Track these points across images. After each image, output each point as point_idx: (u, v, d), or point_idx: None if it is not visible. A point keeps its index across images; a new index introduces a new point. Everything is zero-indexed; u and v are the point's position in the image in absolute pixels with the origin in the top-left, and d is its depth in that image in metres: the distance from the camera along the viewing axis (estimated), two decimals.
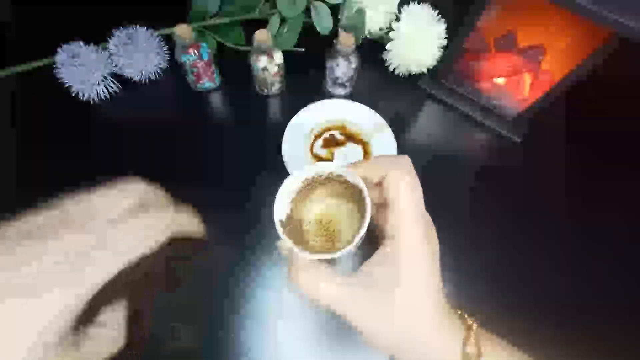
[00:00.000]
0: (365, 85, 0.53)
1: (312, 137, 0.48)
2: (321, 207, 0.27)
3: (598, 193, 0.48)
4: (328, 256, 0.21)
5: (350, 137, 0.49)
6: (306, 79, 0.52)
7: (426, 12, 0.48)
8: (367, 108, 0.50)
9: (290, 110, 0.49)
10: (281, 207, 0.23)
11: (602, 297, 0.41)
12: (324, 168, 0.23)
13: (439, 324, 0.20)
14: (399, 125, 0.49)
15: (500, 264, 0.41)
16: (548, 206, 0.46)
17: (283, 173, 0.43)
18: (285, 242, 0.22)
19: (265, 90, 0.51)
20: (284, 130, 0.47)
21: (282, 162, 0.44)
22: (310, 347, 0.36)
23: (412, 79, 0.54)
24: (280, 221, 0.23)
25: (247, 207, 0.41)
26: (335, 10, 0.52)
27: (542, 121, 0.49)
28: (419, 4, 0.49)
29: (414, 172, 0.22)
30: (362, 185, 0.22)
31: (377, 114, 0.49)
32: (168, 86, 0.51)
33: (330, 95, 0.52)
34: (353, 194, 0.25)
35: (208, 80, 0.49)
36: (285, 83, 0.51)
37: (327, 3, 0.51)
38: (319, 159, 0.47)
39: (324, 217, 0.27)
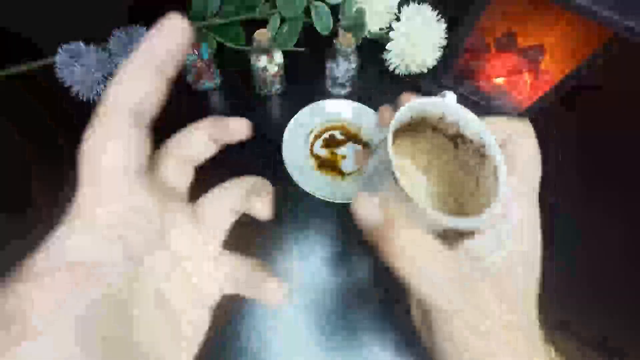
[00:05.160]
0: (365, 85, 0.53)
1: (312, 137, 0.48)
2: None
3: (598, 193, 0.48)
4: (473, 222, 0.15)
5: (350, 137, 0.49)
6: (306, 79, 0.52)
7: (426, 12, 0.48)
8: (367, 108, 0.50)
9: (290, 110, 0.49)
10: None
11: (602, 297, 0.41)
12: (437, 104, 0.17)
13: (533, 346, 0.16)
14: None
15: None
16: (548, 206, 0.46)
17: (283, 173, 0.43)
18: (398, 190, 0.15)
19: (265, 90, 0.51)
20: (284, 130, 0.47)
21: (282, 162, 0.44)
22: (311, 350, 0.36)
23: (412, 79, 0.54)
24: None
25: None
26: (335, 10, 0.52)
27: (542, 121, 0.49)
28: (419, 4, 0.49)
29: (537, 143, 0.18)
30: (490, 141, 0.16)
31: (377, 114, 0.49)
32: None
33: (330, 95, 0.52)
34: (452, 152, 0.19)
35: (208, 80, 0.49)
36: (285, 83, 0.51)
37: (327, 3, 0.51)
38: (319, 159, 0.47)
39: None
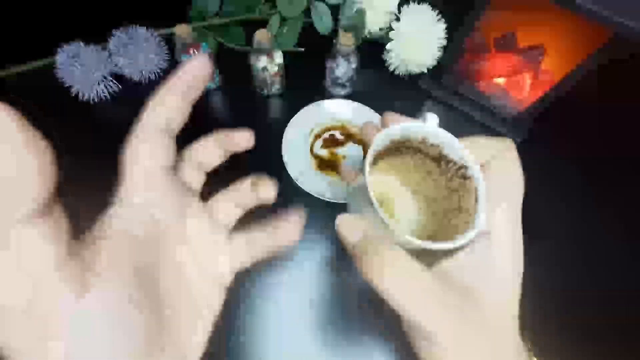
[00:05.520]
0: (365, 85, 0.53)
1: (312, 137, 0.48)
2: (383, 179, 0.22)
3: (598, 193, 0.48)
4: (448, 245, 0.16)
5: (350, 137, 0.49)
6: (306, 79, 0.52)
7: (426, 12, 0.48)
8: (367, 108, 0.50)
9: (290, 110, 0.49)
10: (368, 168, 0.17)
11: (602, 296, 0.41)
12: (417, 130, 0.18)
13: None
14: None
15: None
16: (548, 206, 0.46)
17: (283, 173, 0.43)
18: (376, 213, 0.16)
19: (265, 90, 0.51)
20: (284, 130, 0.47)
21: (282, 162, 0.44)
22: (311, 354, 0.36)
23: (412, 79, 0.54)
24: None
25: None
26: (335, 10, 0.52)
27: (542, 121, 0.49)
28: (419, 4, 0.49)
29: (520, 162, 0.18)
30: (471, 163, 0.17)
31: (377, 114, 0.49)
32: None
33: (330, 95, 0.52)
34: (436, 170, 0.19)
35: (208, 80, 0.49)
36: (285, 83, 0.51)
37: (327, 3, 0.51)
38: (319, 159, 0.47)
39: (386, 191, 0.22)
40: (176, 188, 0.16)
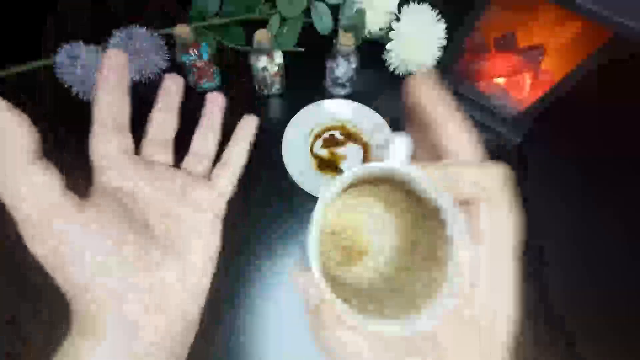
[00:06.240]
0: (365, 85, 0.53)
1: (312, 137, 0.48)
2: (350, 212, 0.19)
3: (598, 193, 0.48)
4: (398, 331, 0.13)
5: (350, 137, 0.49)
6: (306, 79, 0.52)
7: (426, 12, 0.48)
8: (367, 108, 0.50)
9: (290, 110, 0.49)
10: (315, 239, 0.14)
11: (602, 296, 0.41)
12: (383, 171, 0.14)
13: None
14: (399, 125, 0.49)
15: None
16: (548, 206, 0.46)
17: (283, 173, 0.43)
18: (323, 294, 0.14)
19: (265, 90, 0.51)
20: (284, 130, 0.47)
21: (282, 162, 0.44)
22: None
23: None
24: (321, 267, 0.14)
25: (247, 207, 0.41)
26: (335, 10, 0.52)
27: (542, 121, 0.49)
28: (419, 4, 0.49)
29: (515, 204, 0.15)
30: (445, 204, 0.13)
31: (377, 114, 0.49)
32: None
33: (330, 95, 0.52)
34: (413, 205, 0.16)
35: (208, 80, 0.49)
36: (285, 83, 0.51)
37: (327, 3, 0.51)
38: (319, 159, 0.47)
39: (349, 224, 0.19)
40: (142, 163, 0.19)
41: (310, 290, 0.15)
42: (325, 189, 0.14)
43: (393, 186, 0.16)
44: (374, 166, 0.14)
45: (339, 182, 0.14)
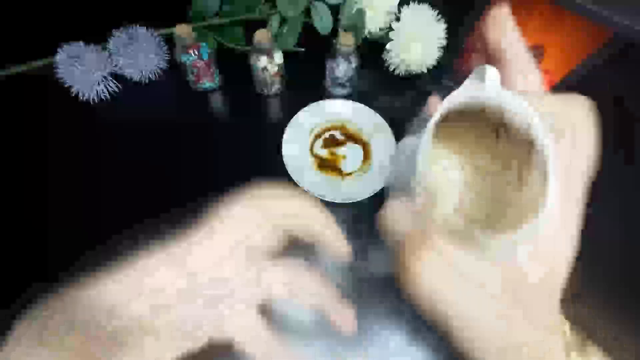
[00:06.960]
0: (365, 85, 0.53)
1: (312, 137, 0.48)
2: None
3: (598, 192, 0.48)
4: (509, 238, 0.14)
5: (350, 137, 0.49)
6: (306, 79, 0.52)
7: (426, 12, 0.48)
8: (367, 108, 0.50)
9: (290, 110, 0.49)
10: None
11: (602, 296, 0.41)
12: (476, 95, 0.15)
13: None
14: (399, 125, 0.49)
15: None
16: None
17: (283, 173, 0.43)
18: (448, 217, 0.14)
19: (265, 90, 0.51)
20: (284, 130, 0.47)
21: (282, 163, 0.44)
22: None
23: (412, 79, 0.54)
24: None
25: None
26: (335, 10, 0.52)
27: None
28: (419, 4, 0.49)
29: (595, 133, 0.15)
30: (538, 132, 0.14)
31: (377, 114, 0.49)
32: (168, 86, 0.51)
33: (330, 95, 0.52)
34: (493, 141, 0.16)
35: (208, 80, 0.49)
36: (285, 83, 0.51)
37: (327, 3, 0.51)
38: (319, 159, 0.47)
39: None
40: None
41: (403, 222, 0.15)
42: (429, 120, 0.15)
43: (473, 123, 0.16)
44: (479, 92, 0.15)
45: (445, 105, 0.15)
